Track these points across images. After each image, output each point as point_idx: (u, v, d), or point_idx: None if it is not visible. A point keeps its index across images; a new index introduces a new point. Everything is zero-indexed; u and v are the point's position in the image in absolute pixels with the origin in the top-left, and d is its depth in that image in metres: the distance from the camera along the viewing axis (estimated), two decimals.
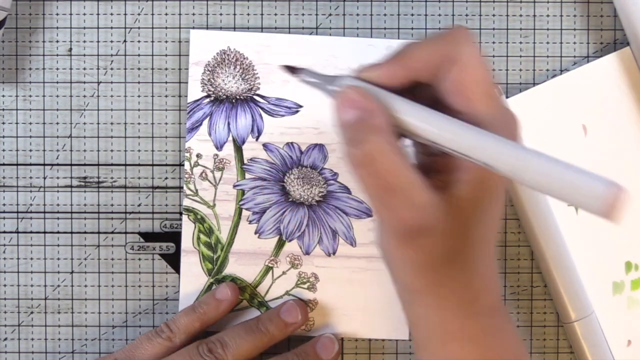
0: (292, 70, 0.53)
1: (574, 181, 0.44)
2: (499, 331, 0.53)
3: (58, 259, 0.66)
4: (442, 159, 0.50)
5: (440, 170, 0.50)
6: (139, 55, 0.65)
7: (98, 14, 0.65)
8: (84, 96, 0.65)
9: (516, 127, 0.50)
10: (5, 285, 0.66)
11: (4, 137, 0.65)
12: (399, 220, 0.49)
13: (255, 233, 0.64)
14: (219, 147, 0.64)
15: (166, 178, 0.65)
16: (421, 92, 0.51)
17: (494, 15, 0.65)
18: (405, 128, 0.49)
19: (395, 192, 0.48)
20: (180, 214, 0.65)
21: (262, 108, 0.64)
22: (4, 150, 0.65)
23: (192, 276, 0.64)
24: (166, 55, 0.65)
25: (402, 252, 0.50)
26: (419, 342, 0.54)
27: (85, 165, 0.65)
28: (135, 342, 0.63)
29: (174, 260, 0.65)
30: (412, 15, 0.65)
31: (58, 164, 0.65)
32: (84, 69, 0.65)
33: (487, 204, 0.50)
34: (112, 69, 0.65)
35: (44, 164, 0.65)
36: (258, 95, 0.64)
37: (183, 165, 0.65)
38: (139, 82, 0.65)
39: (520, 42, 0.65)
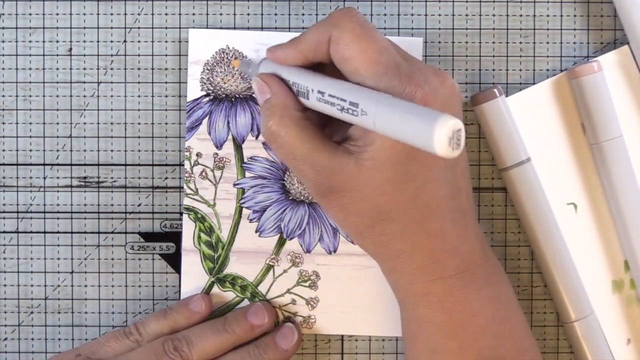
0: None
1: (413, 123, 0.46)
2: (471, 293, 0.57)
3: (58, 259, 0.66)
4: (356, 128, 0.55)
5: (355, 137, 0.55)
6: (139, 55, 0.65)
7: (98, 14, 0.65)
8: (84, 96, 0.65)
9: (429, 87, 0.54)
10: (5, 285, 0.66)
11: (4, 137, 0.65)
12: (311, 183, 0.56)
13: (256, 232, 0.64)
14: (219, 145, 0.64)
15: (166, 178, 0.65)
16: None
17: (494, 15, 0.65)
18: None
19: (299, 161, 0.56)
20: (181, 213, 0.65)
21: None
22: (4, 150, 0.65)
23: (193, 275, 0.64)
24: (166, 55, 0.65)
25: (328, 210, 0.57)
26: (399, 303, 0.59)
27: (85, 165, 0.65)
28: (101, 339, 0.63)
29: (174, 260, 0.65)
30: (412, 15, 0.65)
31: (58, 164, 0.65)
32: (84, 69, 0.65)
33: (409, 165, 0.54)
34: (112, 69, 0.65)
35: (44, 164, 0.65)
36: None
37: (183, 165, 0.65)
38: (139, 82, 0.65)
39: (520, 42, 0.65)
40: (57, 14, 0.65)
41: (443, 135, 0.44)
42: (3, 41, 0.65)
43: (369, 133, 0.54)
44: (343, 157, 0.54)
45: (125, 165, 0.65)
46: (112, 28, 0.65)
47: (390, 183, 0.54)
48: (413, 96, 0.52)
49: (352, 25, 0.54)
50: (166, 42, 0.65)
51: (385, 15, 0.65)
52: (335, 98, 0.53)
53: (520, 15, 0.65)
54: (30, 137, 0.65)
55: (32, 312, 0.66)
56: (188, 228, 0.64)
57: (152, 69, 0.65)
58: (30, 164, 0.65)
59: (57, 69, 0.65)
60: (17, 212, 0.65)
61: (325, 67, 0.57)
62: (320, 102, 0.54)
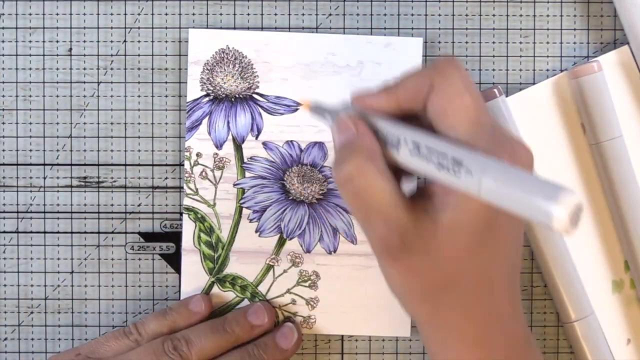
0: (309, 107, 0.57)
1: (529, 195, 0.43)
2: None
3: (58, 259, 0.66)
4: (434, 185, 0.51)
5: (432, 196, 0.51)
6: (139, 55, 0.65)
7: (98, 14, 0.65)
8: (84, 96, 0.65)
9: (517, 157, 0.50)
10: (5, 285, 0.66)
11: (4, 137, 0.65)
12: (379, 238, 0.51)
13: (256, 232, 0.64)
14: (219, 146, 0.64)
15: (166, 178, 0.65)
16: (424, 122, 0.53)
17: (494, 15, 0.65)
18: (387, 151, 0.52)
19: (372, 211, 0.51)
20: (181, 213, 0.65)
21: (261, 106, 0.64)
22: (4, 150, 0.65)
23: (193, 275, 0.64)
24: (166, 55, 0.65)
25: (389, 270, 0.52)
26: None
27: (85, 165, 0.65)
28: (100, 339, 0.63)
29: (174, 260, 0.65)
30: (412, 15, 0.65)
31: (58, 164, 0.65)
32: (84, 69, 0.65)
33: (485, 234, 0.50)
34: (112, 69, 0.65)
35: (44, 164, 0.65)
36: (257, 93, 0.64)
37: (183, 165, 0.65)
38: (139, 82, 0.65)
39: (520, 42, 0.65)
40: (57, 14, 0.65)
41: (565, 212, 0.41)
42: (3, 41, 0.65)
43: (449, 192, 0.50)
44: (420, 216, 0.51)
45: (125, 165, 0.65)
46: (112, 28, 0.65)
47: (464, 250, 0.50)
48: (504, 155, 0.49)
49: (458, 76, 0.50)
50: (166, 42, 0.65)
51: (385, 15, 0.65)
52: (434, 153, 0.48)
53: (520, 15, 0.65)
54: (30, 137, 0.65)
55: (32, 312, 0.66)
56: (188, 228, 0.64)
57: (152, 69, 0.65)
58: (30, 164, 0.65)
59: (57, 69, 0.65)
60: (17, 212, 0.65)
61: (413, 121, 0.53)
62: (414, 156, 0.49)
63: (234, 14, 0.65)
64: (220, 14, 0.65)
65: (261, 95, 0.64)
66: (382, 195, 0.50)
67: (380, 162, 0.51)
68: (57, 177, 0.65)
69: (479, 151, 0.47)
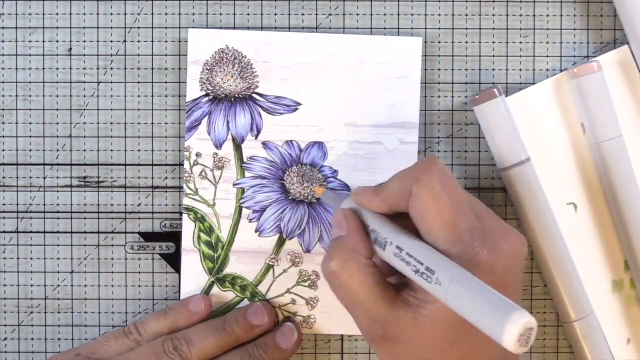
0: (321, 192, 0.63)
1: (486, 310, 0.46)
2: None
3: (58, 259, 0.66)
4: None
5: (415, 289, 0.54)
6: (139, 55, 0.65)
7: (98, 14, 0.65)
8: (84, 96, 0.65)
9: (498, 253, 0.53)
10: (5, 285, 0.66)
11: (4, 137, 0.65)
12: (365, 328, 0.56)
13: (256, 232, 0.64)
14: (219, 146, 0.64)
15: (166, 178, 0.65)
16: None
17: (494, 15, 0.65)
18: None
19: (355, 305, 0.55)
20: (181, 214, 0.65)
21: (261, 106, 0.64)
22: (4, 150, 0.65)
23: (193, 275, 0.64)
24: (166, 55, 0.65)
25: (380, 354, 0.57)
26: None
27: (85, 165, 0.65)
28: (100, 339, 0.63)
29: (174, 260, 0.65)
30: (412, 15, 0.65)
31: (58, 164, 0.65)
32: (84, 69, 0.65)
33: (465, 327, 0.52)
34: (112, 69, 0.65)
35: (44, 164, 0.65)
36: (257, 93, 0.64)
37: (183, 165, 0.65)
38: (139, 82, 0.65)
39: (520, 42, 0.65)
40: (57, 14, 0.65)
41: (514, 332, 0.44)
42: (3, 41, 0.65)
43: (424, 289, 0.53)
44: (401, 309, 0.54)
45: (125, 165, 0.65)
46: (112, 28, 0.65)
47: (444, 341, 0.53)
48: (481, 259, 0.52)
49: (432, 183, 0.53)
50: (166, 42, 0.65)
51: (385, 15, 0.65)
52: (413, 259, 0.52)
53: (520, 15, 0.65)
54: (30, 137, 0.65)
55: (32, 312, 0.66)
56: (188, 228, 0.64)
57: (152, 69, 0.65)
58: (30, 164, 0.65)
59: (57, 69, 0.65)
60: (17, 212, 0.65)
61: (408, 216, 0.56)
62: (396, 257, 0.53)
63: (234, 14, 0.65)
64: (220, 14, 0.65)
65: (261, 95, 0.64)
66: (363, 291, 0.54)
67: (363, 261, 0.55)
68: (57, 177, 0.65)
69: (451, 260, 0.50)
